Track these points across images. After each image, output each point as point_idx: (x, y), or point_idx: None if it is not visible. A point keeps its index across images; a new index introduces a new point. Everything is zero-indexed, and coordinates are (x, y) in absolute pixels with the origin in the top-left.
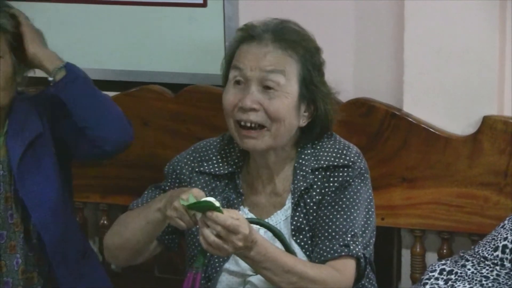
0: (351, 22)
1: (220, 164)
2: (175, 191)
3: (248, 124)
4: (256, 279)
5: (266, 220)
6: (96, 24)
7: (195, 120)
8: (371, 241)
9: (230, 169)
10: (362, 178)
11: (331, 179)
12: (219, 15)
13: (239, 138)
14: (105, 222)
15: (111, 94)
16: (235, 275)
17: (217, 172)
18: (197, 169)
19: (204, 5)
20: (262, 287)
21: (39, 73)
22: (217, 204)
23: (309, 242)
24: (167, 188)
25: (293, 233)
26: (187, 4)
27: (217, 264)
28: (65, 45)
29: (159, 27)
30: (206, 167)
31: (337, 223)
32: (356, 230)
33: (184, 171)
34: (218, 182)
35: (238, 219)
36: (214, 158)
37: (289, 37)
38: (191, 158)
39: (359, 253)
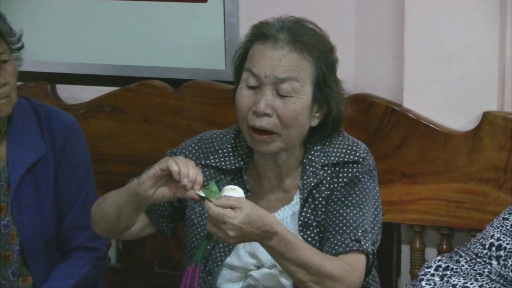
0: (352, 18)
1: (227, 159)
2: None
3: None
4: (257, 273)
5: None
6: (96, 19)
7: (195, 115)
8: (378, 237)
9: (237, 165)
10: (371, 174)
11: (340, 174)
12: (219, 11)
13: (252, 142)
14: None
15: (111, 89)
16: (237, 270)
17: (224, 167)
18: (203, 162)
19: (204, 0)
20: (264, 282)
21: (36, 68)
22: (228, 192)
23: (316, 238)
24: None
25: (301, 228)
26: None
27: (218, 259)
28: (66, 40)
29: (159, 23)
30: (213, 161)
31: (348, 217)
32: (366, 226)
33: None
34: (223, 176)
35: (229, 208)
36: (220, 151)
37: (305, 38)
38: (196, 147)
39: (369, 249)
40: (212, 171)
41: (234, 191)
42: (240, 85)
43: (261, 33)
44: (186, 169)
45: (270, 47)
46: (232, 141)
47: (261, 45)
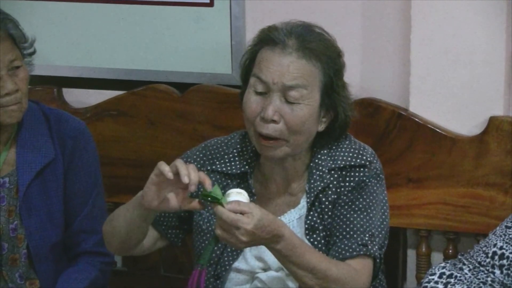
0: (358, 22)
1: (233, 163)
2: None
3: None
4: (264, 275)
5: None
6: (103, 23)
7: (201, 119)
8: (385, 242)
9: (242, 169)
10: (378, 178)
11: (347, 178)
12: (226, 15)
13: (259, 147)
14: None
15: (117, 93)
16: (243, 273)
17: (229, 171)
18: (208, 168)
19: (211, 4)
20: (270, 284)
21: (43, 71)
22: (234, 197)
23: (322, 241)
24: None
25: (307, 232)
26: (194, 3)
27: (226, 263)
28: (72, 44)
29: (165, 27)
30: (218, 166)
31: (355, 222)
32: (373, 230)
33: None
34: (229, 181)
35: (241, 214)
36: (226, 156)
37: (313, 45)
38: (201, 154)
39: (376, 253)
40: (218, 176)
41: (240, 195)
42: (248, 90)
43: (269, 38)
44: (186, 169)
45: (278, 53)
46: (238, 146)
47: (269, 51)
